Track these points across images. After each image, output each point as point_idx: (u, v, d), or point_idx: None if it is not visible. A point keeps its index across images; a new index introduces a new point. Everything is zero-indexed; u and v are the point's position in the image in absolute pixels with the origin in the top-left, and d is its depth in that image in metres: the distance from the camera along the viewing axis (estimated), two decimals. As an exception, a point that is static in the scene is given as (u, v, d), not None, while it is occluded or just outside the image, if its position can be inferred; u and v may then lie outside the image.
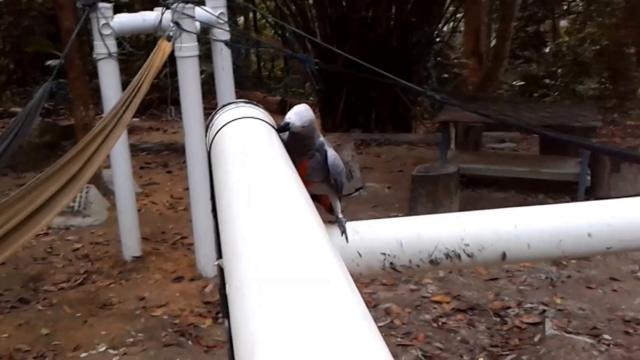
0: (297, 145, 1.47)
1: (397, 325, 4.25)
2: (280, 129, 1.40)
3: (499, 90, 12.99)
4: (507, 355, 3.84)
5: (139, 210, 5.70)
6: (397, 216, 6.37)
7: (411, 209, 6.22)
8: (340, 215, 1.59)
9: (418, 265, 1.59)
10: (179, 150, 8.03)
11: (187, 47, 4.44)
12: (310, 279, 0.73)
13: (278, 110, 12.08)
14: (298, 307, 0.68)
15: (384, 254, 1.57)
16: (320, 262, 0.78)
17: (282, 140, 1.45)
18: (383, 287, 4.79)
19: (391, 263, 1.58)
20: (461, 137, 8.20)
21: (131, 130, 10.33)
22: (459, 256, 1.58)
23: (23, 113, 3.98)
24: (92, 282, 5.00)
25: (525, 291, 4.72)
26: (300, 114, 1.44)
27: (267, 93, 13.37)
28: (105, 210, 6.73)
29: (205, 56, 6.38)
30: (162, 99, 9.10)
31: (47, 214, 3.28)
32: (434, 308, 4.50)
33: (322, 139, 1.51)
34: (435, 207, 6.06)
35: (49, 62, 9.64)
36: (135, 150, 8.14)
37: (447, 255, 1.58)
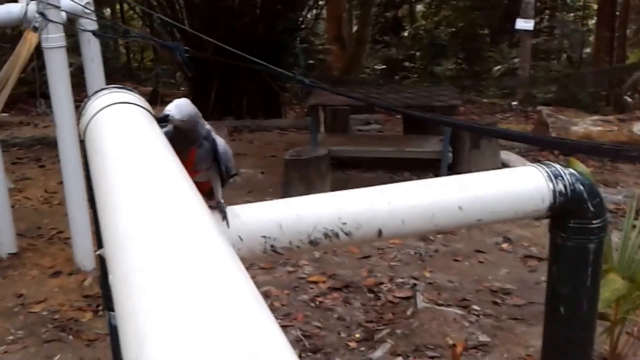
0: (181, 138, 1.44)
1: (276, 307, 4.29)
2: (160, 119, 1.36)
3: (362, 74, 13.35)
4: (382, 329, 3.98)
5: (12, 206, 5.38)
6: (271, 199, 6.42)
7: (285, 193, 6.26)
8: (222, 201, 1.58)
9: (298, 247, 1.61)
10: (51, 144, 7.64)
11: (54, 38, 4.22)
12: (199, 265, 0.72)
13: (150, 101, 11.69)
14: (188, 294, 0.66)
15: (264, 237, 1.57)
16: (208, 247, 0.77)
17: (164, 132, 1.43)
18: (261, 270, 4.80)
19: (272, 246, 1.59)
20: (329, 121, 8.36)
21: (0, 126, 9.68)
22: (337, 235, 1.61)
23: None
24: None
25: (396, 267, 4.91)
26: (180, 107, 1.41)
27: (137, 84, 12.93)
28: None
29: (73, 48, 6.11)
30: (31, 92, 8.58)
31: None
32: (311, 288, 4.57)
33: (208, 127, 1.49)
34: (308, 189, 6.14)
35: None
36: (5, 145, 7.64)
37: (326, 235, 1.61)
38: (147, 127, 1.15)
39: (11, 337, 3.93)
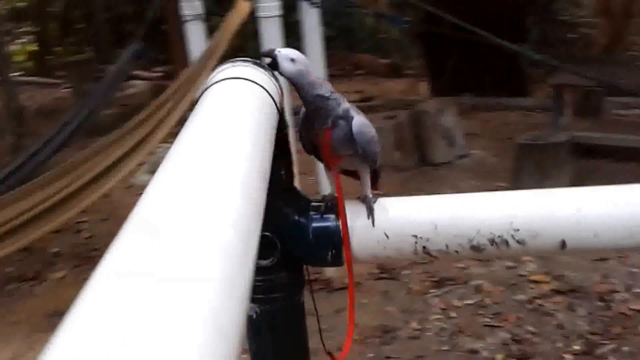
0: (313, 116, 1.27)
1: (487, 304, 3.97)
2: (264, 53, 1.20)
3: (628, 51, 11.92)
4: (607, 344, 3.46)
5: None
6: (501, 187, 6.00)
7: (515, 180, 5.80)
8: (369, 194, 1.37)
9: (457, 251, 1.35)
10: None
11: (269, 7, 4.26)
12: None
13: (388, 73, 11.74)
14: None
15: (415, 236, 1.35)
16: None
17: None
18: (476, 262, 4.49)
19: (424, 247, 1.35)
20: (580, 103, 7.57)
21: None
22: (506, 242, 1.33)
23: (109, 76, 3.99)
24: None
25: (637, 274, 4.26)
26: (296, 54, 1.23)
27: (376, 55, 12.94)
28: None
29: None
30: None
31: (112, 177, 3.26)
32: (531, 288, 4.15)
33: (347, 105, 1.29)
34: (543, 178, 5.61)
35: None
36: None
37: (492, 242, 1.33)
38: (243, 108, 0.98)
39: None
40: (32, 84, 12.15)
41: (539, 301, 3.97)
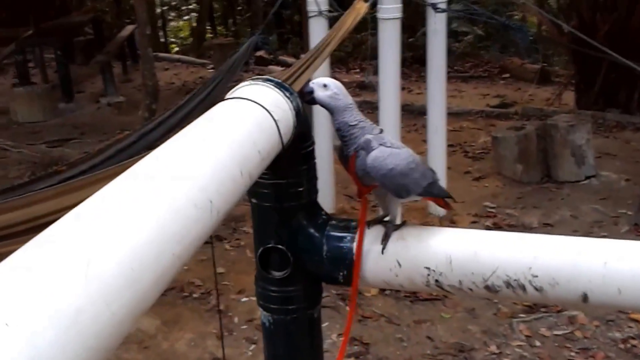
0: (339, 136, 1.28)
1: (576, 338, 3.75)
2: (301, 92, 1.24)
3: None
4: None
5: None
6: (623, 215, 5.61)
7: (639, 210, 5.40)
8: (395, 221, 1.35)
9: (470, 289, 1.31)
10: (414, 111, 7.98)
11: (389, 9, 4.26)
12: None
13: (537, 80, 11.16)
14: None
15: (427, 268, 1.31)
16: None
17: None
18: (575, 291, 4.24)
19: (436, 280, 1.32)
20: None
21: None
22: (523, 287, 1.27)
23: (226, 65, 4.15)
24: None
25: None
26: (330, 84, 1.25)
27: (527, 60, 12.24)
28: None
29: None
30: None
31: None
32: (629, 327, 3.87)
33: (371, 136, 1.27)
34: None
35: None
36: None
37: (508, 284, 1.28)
38: (221, 132, 1.00)
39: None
40: (184, 62, 12.79)
41: (634, 342, 3.70)
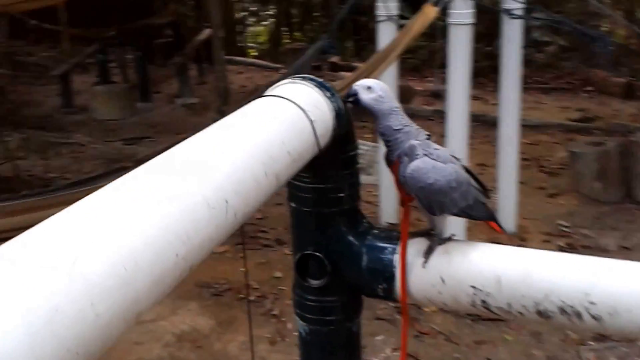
0: (383, 141, 1.21)
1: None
2: (346, 96, 1.18)
3: None
4: None
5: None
6: None
7: None
8: (442, 235, 1.26)
9: (520, 313, 1.21)
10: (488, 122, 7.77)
11: (460, 14, 4.13)
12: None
13: (621, 94, 10.68)
14: None
15: (474, 287, 1.22)
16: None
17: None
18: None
19: (483, 301, 1.22)
20: None
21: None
22: (579, 315, 1.16)
23: (291, 69, 4.13)
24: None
25: None
26: (369, 80, 1.18)
27: (612, 73, 11.63)
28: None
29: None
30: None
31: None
32: None
33: (416, 142, 1.19)
34: None
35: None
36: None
37: (562, 311, 1.17)
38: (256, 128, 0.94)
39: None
40: (258, 66, 12.95)
41: None
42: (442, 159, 1.21)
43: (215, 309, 3.83)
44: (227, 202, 0.76)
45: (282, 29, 16.79)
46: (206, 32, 11.61)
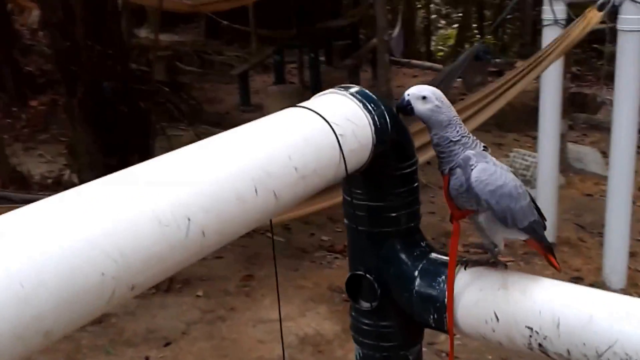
0: (437, 152, 1.12)
1: None
2: (398, 107, 1.12)
3: None
4: None
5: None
6: None
7: None
8: (497, 260, 1.16)
9: (581, 362, 1.06)
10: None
11: (630, 20, 3.77)
12: None
13: None
14: None
15: (530, 328, 1.09)
16: None
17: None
18: None
19: (540, 345, 1.10)
20: None
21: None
22: (647, 372, 0.99)
23: (442, 73, 4.03)
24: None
25: None
26: (423, 88, 1.11)
27: None
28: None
29: None
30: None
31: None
32: None
33: (472, 152, 1.10)
34: None
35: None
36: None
37: (628, 364, 1.01)
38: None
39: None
40: (435, 70, 12.80)
41: None
42: (500, 166, 1.12)
43: (343, 315, 3.80)
44: (189, 219, 0.74)
45: (468, 31, 16.44)
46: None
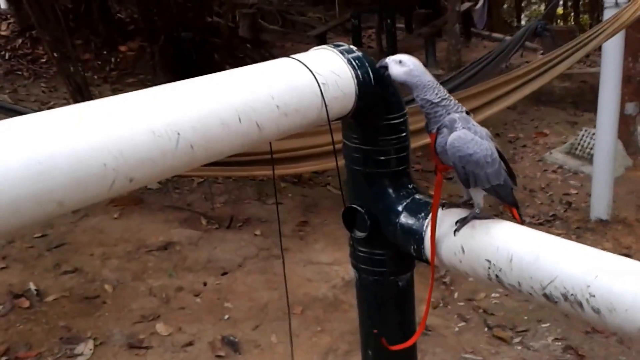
0: (423, 112, 1.28)
1: None
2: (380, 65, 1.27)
3: None
4: None
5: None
6: None
7: None
8: (477, 210, 1.30)
9: (530, 294, 1.24)
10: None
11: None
12: None
13: None
14: None
15: (489, 261, 1.26)
16: None
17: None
18: None
19: (497, 276, 1.27)
20: None
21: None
22: (580, 305, 1.17)
23: (500, 47, 4.06)
24: (552, 227, 4.88)
25: None
26: (406, 61, 1.25)
27: None
28: (623, 167, 6.23)
29: None
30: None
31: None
32: None
33: (456, 115, 1.25)
34: None
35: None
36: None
37: (566, 297, 1.18)
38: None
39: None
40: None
41: None
42: (479, 134, 1.25)
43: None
44: (179, 134, 0.94)
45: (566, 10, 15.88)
46: (465, 6, 11.50)
